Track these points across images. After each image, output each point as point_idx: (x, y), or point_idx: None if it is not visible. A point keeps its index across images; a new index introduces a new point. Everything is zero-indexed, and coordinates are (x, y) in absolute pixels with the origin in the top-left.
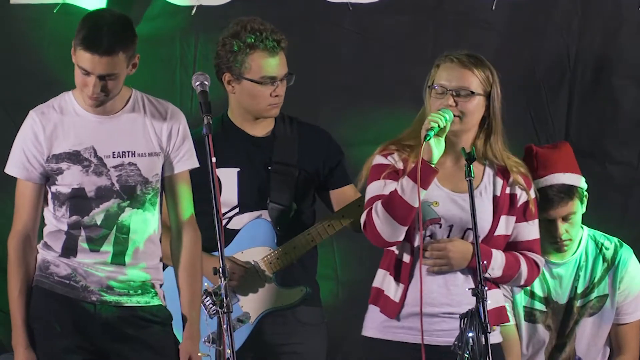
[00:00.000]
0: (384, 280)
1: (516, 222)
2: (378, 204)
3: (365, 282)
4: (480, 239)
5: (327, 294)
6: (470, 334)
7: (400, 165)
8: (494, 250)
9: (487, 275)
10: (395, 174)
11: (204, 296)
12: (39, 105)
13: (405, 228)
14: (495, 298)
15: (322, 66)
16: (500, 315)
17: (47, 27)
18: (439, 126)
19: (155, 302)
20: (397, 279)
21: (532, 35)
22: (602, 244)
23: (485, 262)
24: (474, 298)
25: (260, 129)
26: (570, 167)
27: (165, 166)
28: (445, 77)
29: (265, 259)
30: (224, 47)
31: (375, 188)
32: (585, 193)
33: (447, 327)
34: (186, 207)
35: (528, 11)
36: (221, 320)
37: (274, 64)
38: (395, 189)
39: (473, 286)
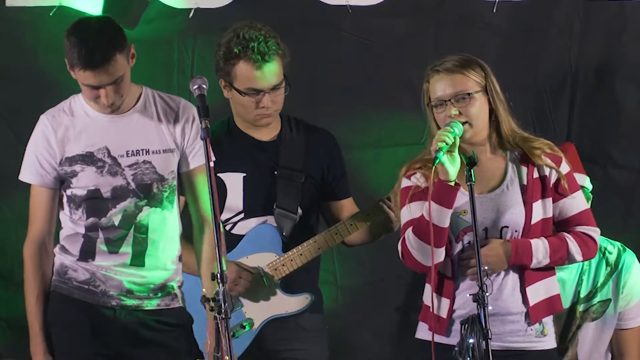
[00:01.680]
0: (429, 297)
1: (554, 201)
2: (409, 232)
3: (364, 287)
4: (519, 233)
5: (326, 299)
6: (471, 340)
7: (423, 183)
8: (532, 241)
9: (533, 266)
10: (420, 194)
11: (202, 302)
12: (49, 109)
13: (442, 249)
14: (545, 288)
15: (321, 69)
16: (550, 307)
17: (43, 30)
18: (447, 144)
19: (176, 304)
20: (441, 294)
21: (533, 37)
22: (605, 248)
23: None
24: (520, 297)
25: (266, 133)
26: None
27: (182, 162)
28: (439, 89)
29: (271, 265)
30: (217, 53)
31: (404, 214)
32: (590, 194)
33: (495, 331)
34: (206, 200)
35: (529, 13)
36: (220, 326)
37: (258, 77)
38: (422, 215)
39: (517, 284)
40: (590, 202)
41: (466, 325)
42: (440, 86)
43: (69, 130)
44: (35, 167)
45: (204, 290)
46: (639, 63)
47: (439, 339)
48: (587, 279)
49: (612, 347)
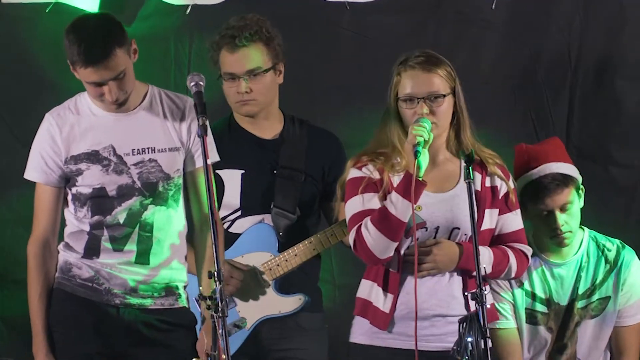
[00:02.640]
0: (371, 292)
1: (499, 214)
2: (368, 222)
3: None
4: (468, 237)
5: (324, 298)
6: (469, 339)
7: (376, 176)
8: (481, 247)
9: (474, 274)
10: (373, 185)
11: (199, 300)
12: (54, 108)
13: (397, 243)
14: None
15: (319, 66)
16: (490, 315)
17: (39, 26)
18: (424, 140)
19: (180, 304)
20: (386, 290)
21: (532, 34)
22: (604, 246)
23: (459, 264)
24: (463, 300)
25: (268, 131)
26: (561, 158)
27: (187, 161)
28: (411, 85)
29: (266, 264)
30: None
31: (356, 204)
32: (582, 186)
33: (437, 332)
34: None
35: (529, 10)
36: (216, 324)
37: (232, 61)
38: (385, 206)
39: (459, 288)
40: (582, 195)
41: (464, 323)
42: (413, 82)
43: (75, 129)
44: (40, 165)
45: (200, 288)
46: None
47: (380, 341)
48: (585, 275)
49: (612, 344)
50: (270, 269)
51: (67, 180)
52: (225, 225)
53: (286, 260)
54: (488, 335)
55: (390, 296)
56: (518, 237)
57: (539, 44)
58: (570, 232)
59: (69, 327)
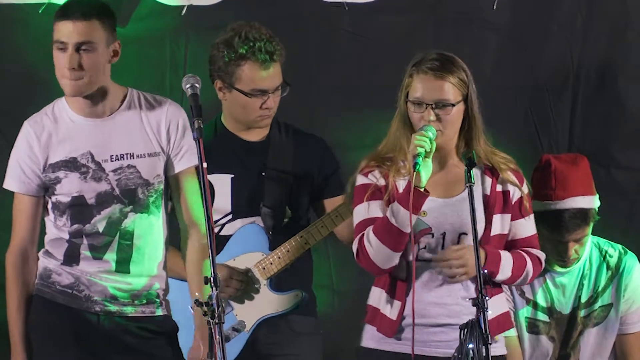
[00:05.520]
0: (380, 299)
1: (512, 219)
2: (369, 233)
3: (362, 292)
4: (479, 243)
5: (322, 303)
6: (471, 346)
7: (382, 182)
8: (501, 251)
9: (497, 278)
10: (378, 192)
11: (195, 306)
12: (32, 115)
13: (399, 254)
14: (497, 305)
15: (317, 67)
16: (503, 323)
17: (32, 27)
18: (425, 150)
19: (160, 312)
20: (393, 297)
21: (534, 35)
22: (606, 252)
23: (484, 267)
24: (473, 307)
25: (255, 134)
26: (588, 189)
27: (168, 165)
28: (421, 90)
29: (259, 264)
30: (217, 53)
31: (361, 212)
32: (597, 215)
33: (445, 338)
34: (194, 204)
35: (530, 11)
36: (213, 331)
37: (265, 77)
38: (386, 216)
39: (469, 294)
40: (593, 224)
41: (465, 330)
42: (423, 87)
43: (52, 137)
44: (18, 174)
45: (197, 294)
46: None
47: (388, 345)
48: (587, 283)
49: (615, 352)
50: (264, 268)
51: (46, 189)
52: (217, 230)
53: (279, 258)
54: (489, 341)
55: (397, 303)
56: (531, 243)
57: (541, 44)
58: (577, 258)
59: (48, 335)
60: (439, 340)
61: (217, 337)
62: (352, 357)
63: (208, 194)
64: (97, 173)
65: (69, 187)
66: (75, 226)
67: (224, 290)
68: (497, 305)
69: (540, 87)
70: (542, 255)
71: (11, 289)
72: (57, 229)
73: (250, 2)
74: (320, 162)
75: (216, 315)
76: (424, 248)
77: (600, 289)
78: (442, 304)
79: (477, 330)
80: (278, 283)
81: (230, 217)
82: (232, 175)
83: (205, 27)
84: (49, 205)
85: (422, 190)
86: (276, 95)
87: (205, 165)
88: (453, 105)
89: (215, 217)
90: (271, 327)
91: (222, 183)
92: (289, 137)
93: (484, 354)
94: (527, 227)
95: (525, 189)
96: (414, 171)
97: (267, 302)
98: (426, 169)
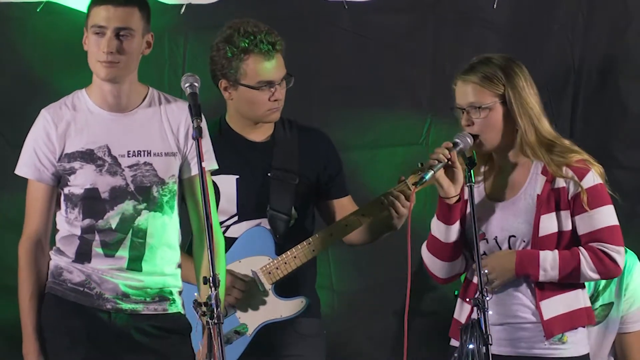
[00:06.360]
0: (461, 310)
1: (574, 215)
2: (423, 245)
3: (361, 293)
4: (528, 244)
5: (322, 304)
6: (471, 346)
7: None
8: (541, 252)
9: (543, 279)
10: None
11: (194, 307)
12: (51, 104)
13: (450, 263)
14: (565, 303)
15: (317, 66)
16: (569, 321)
17: (30, 26)
18: (439, 162)
19: (174, 309)
20: (464, 299)
21: (535, 34)
22: None
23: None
24: (543, 311)
25: (260, 134)
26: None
27: (183, 167)
28: (458, 96)
29: (264, 268)
30: (218, 52)
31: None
32: None
33: (507, 337)
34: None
35: (531, 10)
36: (212, 331)
37: (270, 68)
38: (431, 231)
39: (527, 295)
40: None
41: (466, 330)
42: (457, 93)
43: (70, 126)
44: (33, 161)
45: (195, 294)
46: None
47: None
48: (588, 282)
49: (615, 351)
50: (270, 273)
51: (59, 179)
52: (222, 231)
53: (285, 263)
54: (490, 342)
55: (467, 307)
56: (599, 236)
57: (541, 43)
58: None
59: (61, 332)
60: (499, 338)
61: (217, 337)
62: (352, 357)
63: (208, 194)
64: (113, 167)
65: (83, 178)
66: (87, 221)
67: (224, 298)
68: (567, 303)
69: (541, 86)
70: (615, 250)
71: (24, 279)
72: (68, 224)
73: (249, 1)
74: (325, 161)
75: (215, 316)
76: (484, 254)
77: (600, 288)
78: (502, 305)
79: (478, 331)
80: (283, 288)
81: (235, 218)
82: (237, 177)
83: (204, 26)
84: (62, 198)
85: (449, 201)
86: (282, 87)
87: (209, 169)
88: (481, 107)
89: (220, 219)
90: (276, 329)
91: (227, 184)
92: (293, 135)
93: (484, 354)
94: (593, 220)
95: (589, 182)
96: (420, 185)
97: (272, 307)
98: (454, 179)
